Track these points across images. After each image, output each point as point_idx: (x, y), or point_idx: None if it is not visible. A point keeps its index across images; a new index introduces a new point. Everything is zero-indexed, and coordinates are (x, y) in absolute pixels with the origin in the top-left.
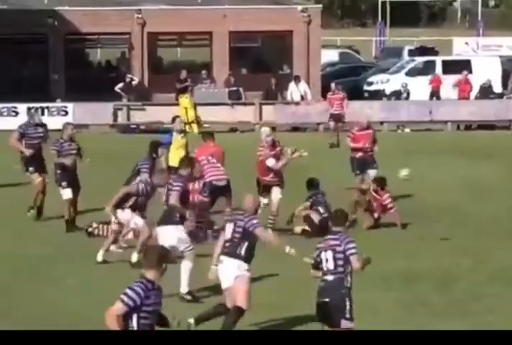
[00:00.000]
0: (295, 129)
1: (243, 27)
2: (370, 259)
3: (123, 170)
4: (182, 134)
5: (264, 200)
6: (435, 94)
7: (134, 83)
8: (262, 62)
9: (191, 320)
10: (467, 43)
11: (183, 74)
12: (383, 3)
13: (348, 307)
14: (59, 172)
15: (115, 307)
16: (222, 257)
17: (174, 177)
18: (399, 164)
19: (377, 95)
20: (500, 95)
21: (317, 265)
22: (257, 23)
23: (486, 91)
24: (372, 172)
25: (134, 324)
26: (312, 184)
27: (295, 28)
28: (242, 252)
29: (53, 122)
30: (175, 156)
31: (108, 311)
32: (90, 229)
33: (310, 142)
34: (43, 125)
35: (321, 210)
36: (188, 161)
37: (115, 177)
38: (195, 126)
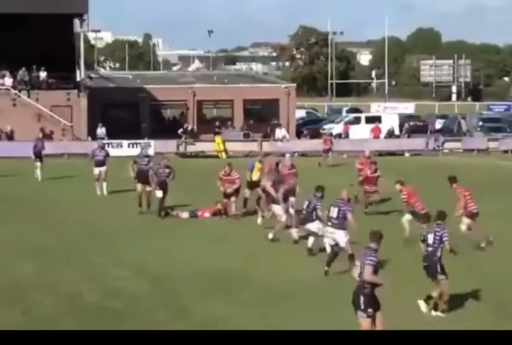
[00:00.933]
0: (281, 155)
1: (251, 97)
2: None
3: (183, 180)
4: (260, 163)
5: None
6: (346, 135)
7: (189, 129)
8: (261, 117)
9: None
10: (379, 106)
11: (217, 124)
12: (331, 84)
13: (439, 267)
14: (154, 185)
15: (368, 269)
16: (330, 228)
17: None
18: (344, 175)
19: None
20: (398, 136)
21: (423, 240)
22: (259, 94)
23: (390, 134)
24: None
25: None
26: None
27: (281, 97)
28: (345, 225)
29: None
30: (255, 174)
31: (365, 272)
32: (168, 211)
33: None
34: (148, 156)
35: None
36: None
37: (180, 183)
38: (224, 154)
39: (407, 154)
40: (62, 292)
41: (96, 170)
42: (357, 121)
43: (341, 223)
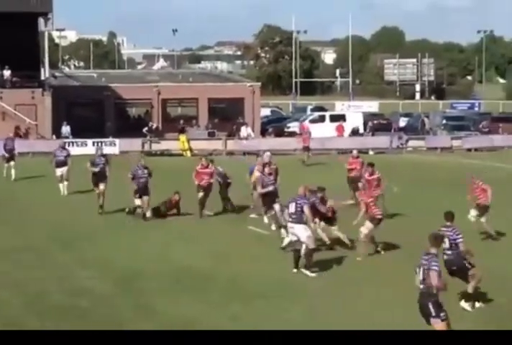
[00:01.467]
0: (245, 153)
1: (216, 95)
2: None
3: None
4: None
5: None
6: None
7: (153, 127)
8: (226, 115)
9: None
10: (343, 104)
11: (181, 122)
12: (295, 82)
13: (467, 264)
14: (134, 189)
15: (434, 275)
16: (290, 224)
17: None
18: (306, 173)
19: (292, 134)
20: (362, 134)
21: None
22: (223, 93)
23: (355, 132)
24: (360, 184)
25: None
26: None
27: (246, 96)
28: (304, 219)
29: (106, 150)
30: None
31: (432, 278)
32: (130, 208)
33: (253, 160)
34: (105, 155)
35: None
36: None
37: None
38: (188, 153)
39: (371, 152)
40: (30, 291)
41: (58, 171)
42: (321, 119)
43: (299, 217)
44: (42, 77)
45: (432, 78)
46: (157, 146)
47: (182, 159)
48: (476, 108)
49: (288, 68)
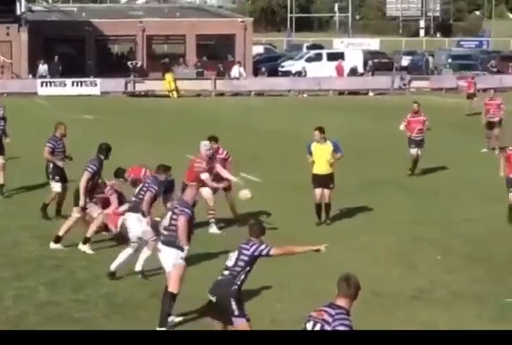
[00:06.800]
0: (236, 94)
1: (204, 32)
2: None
3: (130, 117)
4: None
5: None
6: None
7: (137, 65)
8: (215, 53)
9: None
10: (342, 42)
11: (167, 60)
12: (290, 18)
13: (235, 305)
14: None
15: None
16: (159, 244)
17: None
18: (303, 117)
19: (286, 73)
20: (362, 74)
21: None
22: (213, 29)
23: (353, 72)
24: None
25: None
26: None
27: (237, 32)
28: (177, 240)
29: (87, 90)
30: None
31: None
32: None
33: (244, 102)
34: (4, 118)
35: None
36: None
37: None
38: (175, 93)
39: (371, 94)
40: None
41: None
42: (318, 57)
43: (172, 236)
44: (18, 12)
45: (438, 14)
46: (141, 87)
47: (168, 101)
48: (484, 46)
49: (283, 2)
